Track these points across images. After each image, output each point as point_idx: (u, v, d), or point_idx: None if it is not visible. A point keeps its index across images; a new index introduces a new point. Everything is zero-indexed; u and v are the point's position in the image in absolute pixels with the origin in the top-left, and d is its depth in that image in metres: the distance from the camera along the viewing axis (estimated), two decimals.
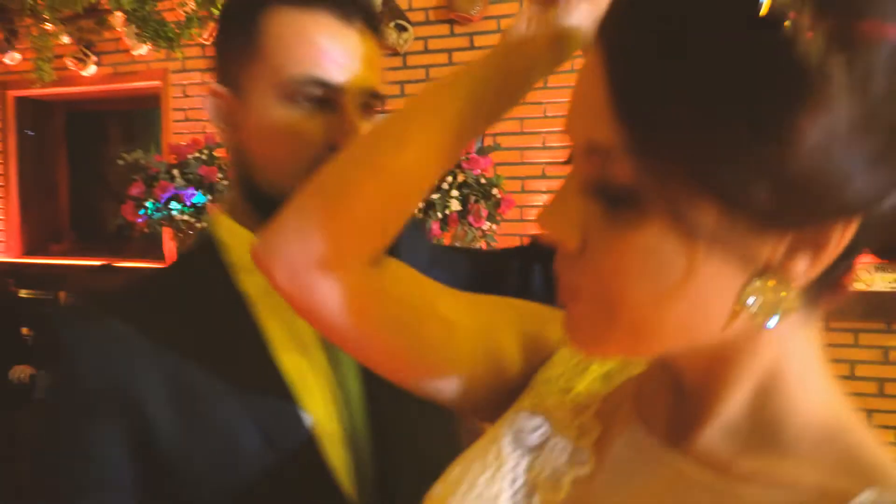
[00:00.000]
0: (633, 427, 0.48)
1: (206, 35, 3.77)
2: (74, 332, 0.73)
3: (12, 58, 4.23)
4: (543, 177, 3.36)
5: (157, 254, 3.95)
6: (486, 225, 2.91)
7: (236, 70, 0.77)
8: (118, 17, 3.10)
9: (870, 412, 2.94)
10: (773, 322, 0.38)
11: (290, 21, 0.74)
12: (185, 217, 3.07)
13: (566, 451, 0.50)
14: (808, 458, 0.41)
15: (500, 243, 3.32)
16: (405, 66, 3.50)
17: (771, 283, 0.37)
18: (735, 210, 0.36)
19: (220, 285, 0.78)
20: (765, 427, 0.42)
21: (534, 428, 0.52)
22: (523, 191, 3.39)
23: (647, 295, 0.39)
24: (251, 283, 0.78)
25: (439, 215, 2.80)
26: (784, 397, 0.42)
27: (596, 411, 0.52)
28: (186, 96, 3.98)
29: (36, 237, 4.52)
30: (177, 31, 2.72)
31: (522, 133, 3.38)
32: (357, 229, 0.58)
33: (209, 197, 3.08)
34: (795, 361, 0.42)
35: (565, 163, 0.45)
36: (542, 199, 3.37)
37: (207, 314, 0.77)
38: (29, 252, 4.46)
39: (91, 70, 4.09)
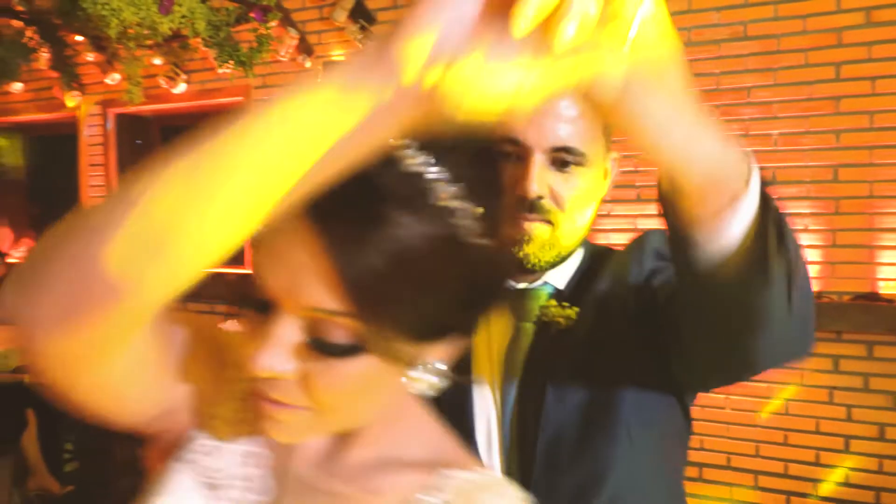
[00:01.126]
0: (298, 453, 0.62)
1: (284, 52, 3.96)
2: None
3: (112, 78, 4.57)
4: None
5: (239, 259, 4.18)
6: None
7: None
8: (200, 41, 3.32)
9: None
10: (422, 391, 0.56)
11: None
12: None
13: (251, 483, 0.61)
14: (420, 463, 0.60)
15: None
16: None
17: (425, 372, 0.55)
18: (423, 345, 0.53)
19: None
20: (393, 449, 0.61)
21: (216, 469, 0.60)
22: None
23: (353, 403, 0.54)
24: None
25: None
26: (405, 428, 0.62)
27: (265, 441, 0.62)
28: None
29: None
30: (249, 54, 2.88)
31: None
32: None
33: None
34: (413, 403, 0.63)
35: (263, 310, 0.52)
36: (606, 208, 3.37)
37: None
38: None
39: (181, 88, 4.37)
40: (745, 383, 3.11)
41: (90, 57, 4.47)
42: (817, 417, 3.02)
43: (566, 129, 0.89)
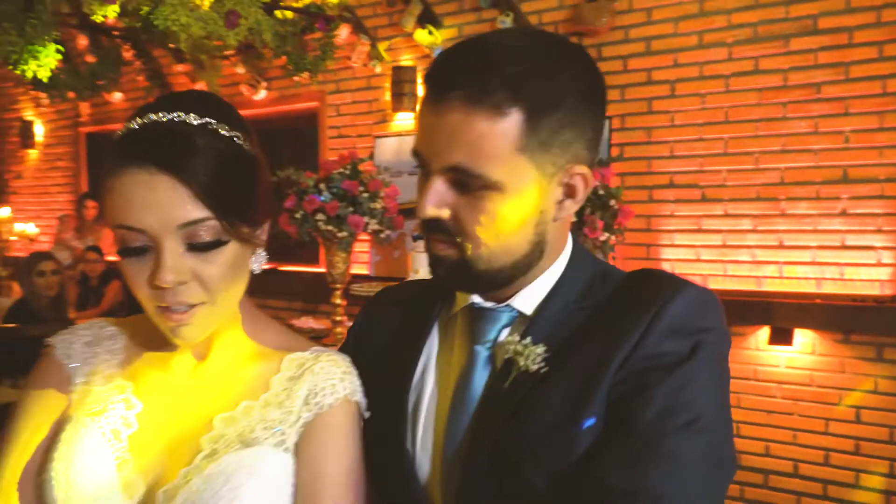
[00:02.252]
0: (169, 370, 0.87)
1: (355, 58, 4.11)
2: (372, 299, 1.08)
3: (202, 86, 4.87)
4: (671, 185, 3.31)
5: (314, 259, 4.36)
6: (604, 235, 2.92)
7: None
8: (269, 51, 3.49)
9: None
10: (258, 269, 0.85)
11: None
12: (329, 227, 3.38)
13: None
14: (271, 353, 0.88)
15: (626, 254, 3.31)
16: None
17: (259, 252, 0.85)
18: (256, 229, 0.82)
19: (434, 298, 0.94)
20: (253, 337, 0.89)
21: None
22: (651, 200, 3.35)
23: (232, 283, 0.80)
24: (458, 306, 0.90)
25: None
26: (259, 330, 0.90)
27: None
28: (340, 115, 4.36)
29: None
30: (314, 62, 3.02)
31: (649, 143, 3.35)
32: None
33: (351, 209, 3.36)
34: (262, 315, 0.93)
35: (137, 250, 0.75)
36: (669, 209, 3.32)
37: (412, 314, 0.96)
38: None
39: (261, 94, 4.60)
40: (815, 389, 3.00)
41: (180, 68, 4.78)
42: (891, 426, 2.89)
43: (462, 148, 0.74)
